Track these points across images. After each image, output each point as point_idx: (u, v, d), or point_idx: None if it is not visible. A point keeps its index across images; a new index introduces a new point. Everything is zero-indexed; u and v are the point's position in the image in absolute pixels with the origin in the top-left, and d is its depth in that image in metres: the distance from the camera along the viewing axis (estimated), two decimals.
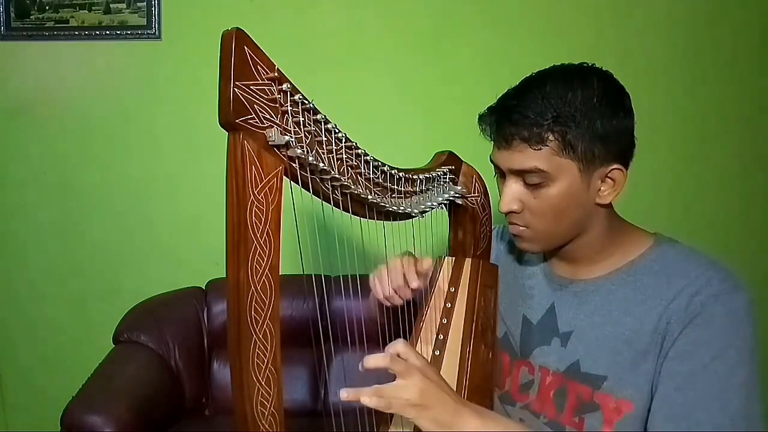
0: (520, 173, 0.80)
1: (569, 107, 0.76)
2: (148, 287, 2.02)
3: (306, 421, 1.79)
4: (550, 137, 0.76)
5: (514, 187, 0.82)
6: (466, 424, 0.72)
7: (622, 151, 0.80)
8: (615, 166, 0.79)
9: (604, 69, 0.82)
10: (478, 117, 0.85)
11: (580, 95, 0.76)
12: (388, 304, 0.94)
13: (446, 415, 0.71)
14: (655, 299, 0.79)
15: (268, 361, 0.65)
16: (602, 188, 0.81)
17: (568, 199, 0.80)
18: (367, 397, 0.68)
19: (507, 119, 0.79)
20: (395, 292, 0.92)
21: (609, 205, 0.84)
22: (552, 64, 0.84)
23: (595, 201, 0.81)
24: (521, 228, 0.85)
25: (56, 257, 2.11)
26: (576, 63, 0.82)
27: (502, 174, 0.85)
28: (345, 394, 0.68)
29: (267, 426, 0.66)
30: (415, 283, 0.89)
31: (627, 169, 0.81)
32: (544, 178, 0.78)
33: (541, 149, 0.77)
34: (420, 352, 0.91)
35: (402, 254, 0.94)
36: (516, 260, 1.02)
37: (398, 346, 0.73)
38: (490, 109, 0.83)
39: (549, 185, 0.79)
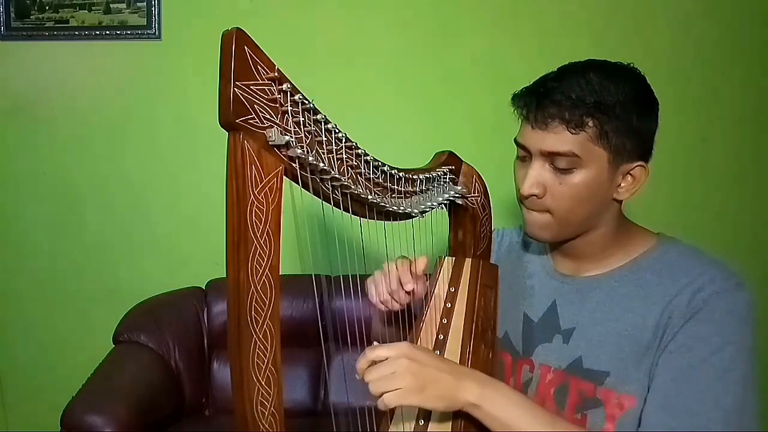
0: (551, 156, 0.79)
1: (611, 97, 0.76)
2: (148, 287, 2.02)
3: (306, 421, 1.79)
4: (590, 123, 0.76)
5: (540, 170, 0.81)
6: (467, 392, 0.73)
7: (647, 151, 0.82)
8: (639, 163, 0.81)
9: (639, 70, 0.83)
10: (512, 96, 0.83)
11: (622, 88, 0.77)
12: (384, 308, 0.94)
13: (447, 388, 0.72)
14: (657, 296, 0.79)
15: (268, 361, 0.65)
16: (622, 184, 0.82)
17: (591, 189, 0.80)
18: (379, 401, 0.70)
19: (548, 99, 0.78)
20: (391, 296, 0.92)
21: (620, 203, 0.85)
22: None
23: (612, 196, 0.82)
24: (537, 213, 0.85)
25: (56, 257, 2.11)
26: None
27: (525, 157, 0.84)
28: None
29: (267, 426, 0.66)
30: (409, 286, 0.89)
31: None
32: (575, 163, 0.78)
33: (578, 133, 0.77)
34: None
35: (397, 258, 0.94)
36: (517, 261, 1.02)
37: (374, 353, 0.73)
38: (527, 89, 0.82)
39: (576, 172, 0.79)
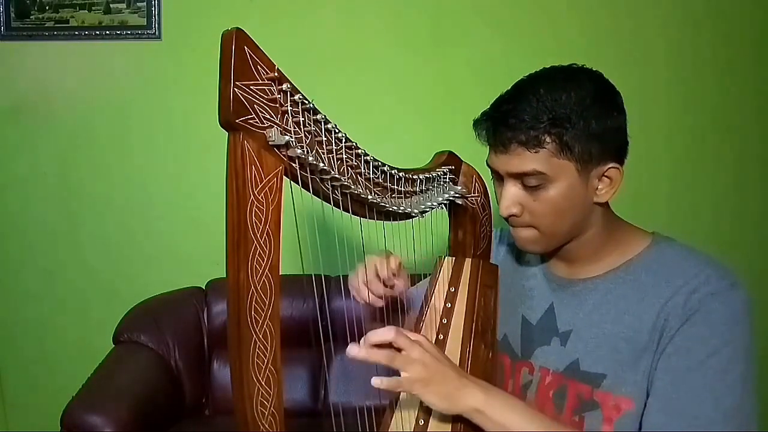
0: (519, 176, 0.81)
1: (564, 108, 0.76)
2: (148, 287, 2.02)
3: (306, 421, 1.78)
4: (547, 139, 0.77)
5: (513, 191, 0.82)
6: (471, 398, 0.75)
7: (618, 150, 0.81)
8: (611, 164, 0.80)
9: (593, 69, 0.82)
10: (473, 123, 0.85)
11: (574, 96, 0.77)
12: (361, 299, 0.93)
13: (451, 388, 0.74)
14: (653, 297, 0.79)
15: (268, 361, 0.65)
16: (599, 187, 0.81)
17: (567, 200, 0.80)
18: (379, 380, 0.71)
19: (503, 124, 0.79)
20: (367, 287, 0.92)
21: (605, 204, 0.85)
22: (549, 66, 0.84)
23: (593, 200, 0.82)
24: (522, 230, 0.86)
25: (56, 257, 2.11)
26: (565, 64, 0.83)
27: (499, 178, 0.85)
28: (355, 350, 0.71)
29: (267, 426, 0.66)
30: (385, 274, 0.89)
31: (622, 167, 0.81)
32: (543, 180, 0.79)
33: (538, 152, 0.77)
34: None
35: (378, 253, 0.93)
36: (515, 262, 1.02)
37: (389, 334, 0.74)
38: (484, 114, 0.83)
39: (548, 187, 0.79)
